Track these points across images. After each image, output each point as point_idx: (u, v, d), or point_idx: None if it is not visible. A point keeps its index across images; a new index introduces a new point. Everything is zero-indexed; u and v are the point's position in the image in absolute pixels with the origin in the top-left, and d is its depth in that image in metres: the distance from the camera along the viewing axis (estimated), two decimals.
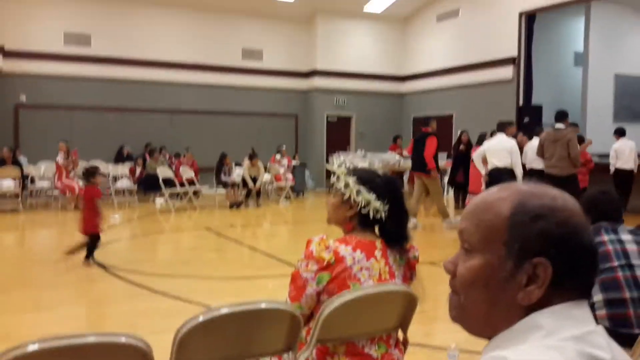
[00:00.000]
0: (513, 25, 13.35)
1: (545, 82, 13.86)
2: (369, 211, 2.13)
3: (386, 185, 2.19)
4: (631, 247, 2.72)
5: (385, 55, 17.12)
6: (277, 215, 11.98)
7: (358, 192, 2.15)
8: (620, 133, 10.25)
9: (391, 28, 17.05)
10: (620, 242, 2.75)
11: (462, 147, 11.59)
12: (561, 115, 8.10)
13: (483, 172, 8.87)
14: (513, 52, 13.38)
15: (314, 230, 2.18)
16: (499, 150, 8.56)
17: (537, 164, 8.69)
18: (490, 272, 0.87)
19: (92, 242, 6.54)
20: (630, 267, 2.66)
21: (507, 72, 13.54)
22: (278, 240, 9.16)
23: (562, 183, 7.39)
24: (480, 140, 10.29)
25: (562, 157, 7.84)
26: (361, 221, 2.15)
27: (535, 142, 8.98)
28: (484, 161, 8.81)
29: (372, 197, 2.14)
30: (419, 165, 9.22)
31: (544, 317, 0.82)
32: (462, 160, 11.44)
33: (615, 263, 2.69)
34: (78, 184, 11.57)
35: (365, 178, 2.18)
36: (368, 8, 16.07)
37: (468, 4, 14.79)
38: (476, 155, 9.12)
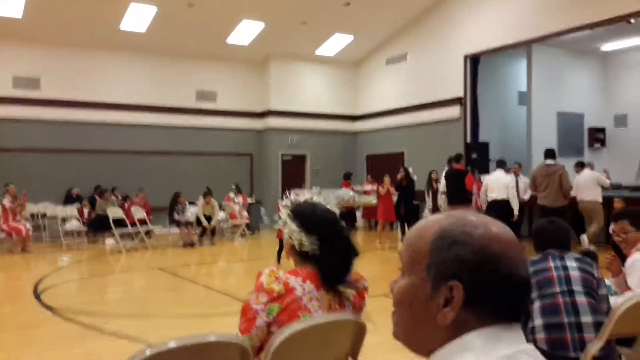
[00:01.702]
0: (459, 67, 13.88)
1: (491, 120, 14.38)
2: (300, 244, 2.15)
3: (320, 220, 2.16)
4: (574, 274, 2.83)
5: (337, 95, 17.46)
6: (232, 253, 11.87)
7: (285, 226, 2.20)
8: (498, 164, 10.42)
9: (343, 70, 17.45)
10: (565, 268, 2.86)
11: (403, 181, 12.14)
12: (551, 153, 9.11)
13: (484, 205, 9.68)
14: (459, 93, 13.87)
15: (270, 267, 2.21)
16: (497, 184, 9.46)
17: (497, 195, 9.50)
18: (414, 293, 0.92)
19: None
20: (571, 292, 2.77)
21: (454, 111, 14.00)
22: (234, 278, 9.07)
23: (555, 214, 8.02)
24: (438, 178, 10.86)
25: (555, 190, 8.65)
26: (299, 254, 2.17)
27: (494, 177, 9.74)
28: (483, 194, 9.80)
29: (296, 230, 2.16)
30: (457, 198, 9.90)
31: (475, 338, 0.86)
32: (403, 194, 12.19)
33: (557, 289, 2.79)
34: (25, 226, 11.24)
35: (301, 213, 2.19)
36: (320, 52, 16.45)
37: (415, 48, 15.33)
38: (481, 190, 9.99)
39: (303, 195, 2.32)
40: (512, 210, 9.37)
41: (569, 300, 2.75)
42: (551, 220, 3.22)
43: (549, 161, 9.10)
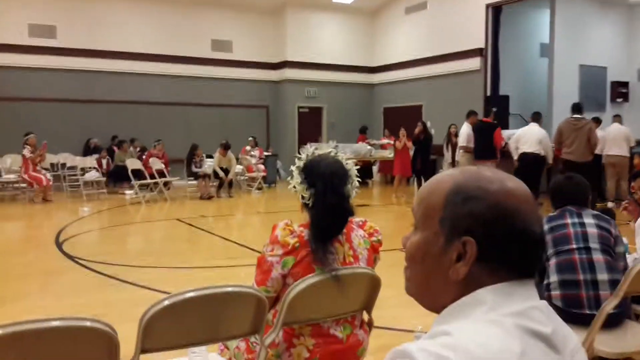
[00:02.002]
0: (480, 17, 13.52)
1: (512, 73, 14.07)
2: (301, 197, 2.14)
3: (318, 174, 2.13)
4: (591, 231, 2.81)
5: (355, 46, 17.17)
6: (249, 205, 11.98)
7: (291, 178, 2.20)
8: (534, 118, 10.30)
9: (360, 20, 17.10)
10: (582, 225, 2.83)
11: (420, 135, 11.95)
12: (578, 107, 9.00)
13: (515, 157, 9.74)
14: (480, 44, 13.56)
15: (291, 221, 2.22)
16: (531, 138, 9.51)
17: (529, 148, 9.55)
18: (426, 248, 0.92)
19: None
20: (588, 250, 2.75)
21: (474, 63, 13.73)
22: (250, 230, 9.18)
23: (581, 168, 8.16)
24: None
25: (582, 145, 8.60)
26: (304, 207, 2.17)
27: (527, 130, 9.73)
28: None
29: (298, 183, 2.16)
30: (485, 153, 9.90)
31: (487, 293, 0.86)
32: (420, 149, 12.06)
33: (574, 245, 2.78)
34: (46, 175, 11.40)
35: (306, 166, 2.17)
36: None
37: None
38: (511, 141, 10.05)
39: (318, 148, 2.31)
40: (542, 163, 9.43)
41: (585, 258, 2.74)
42: (569, 176, 3.18)
43: (577, 115, 8.97)
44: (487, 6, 13.35)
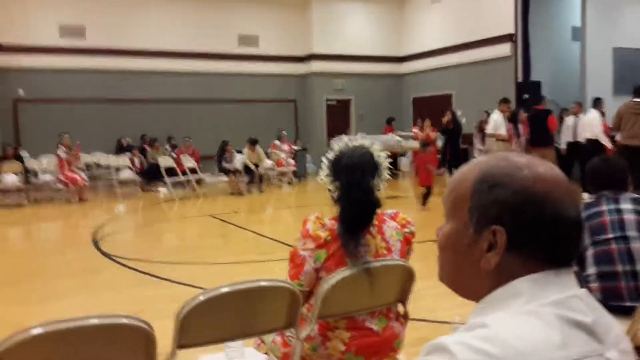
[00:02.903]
0: (509, 2, 13.27)
1: (543, 58, 13.80)
2: (329, 191, 2.15)
3: (342, 167, 2.12)
4: (628, 217, 2.69)
5: (382, 36, 17.05)
6: (280, 200, 12.04)
7: (321, 173, 2.20)
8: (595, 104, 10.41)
9: (387, 9, 16.96)
10: (619, 211, 2.71)
11: (449, 125, 11.88)
12: (639, 90, 8.75)
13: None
14: (510, 29, 13.32)
15: (322, 214, 2.22)
16: (589, 125, 9.71)
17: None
18: (457, 238, 0.91)
19: None
20: (625, 239, 2.65)
21: (504, 49, 13.49)
22: (282, 225, 9.21)
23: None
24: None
25: None
26: (333, 200, 2.16)
27: (589, 116, 9.83)
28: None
29: (324, 176, 2.16)
30: (540, 140, 9.96)
31: (524, 284, 0.84)
32: (450, 138, 11.80)
33: (610, 235, 2.67)
34: (81, 176, 11.63)
35: (333, 159, 2.17)
36: None
37: None
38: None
39: (347, 140, 2.29)
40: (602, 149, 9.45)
41: (623, 247, 2.64)
42: (605, 159, 3.07)
43: (637, 99, 8.70)
44: None
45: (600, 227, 2.72)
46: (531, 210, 0.84)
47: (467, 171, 0.92)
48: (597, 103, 10.10)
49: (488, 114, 11.51)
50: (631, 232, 2.66)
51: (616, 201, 2.77)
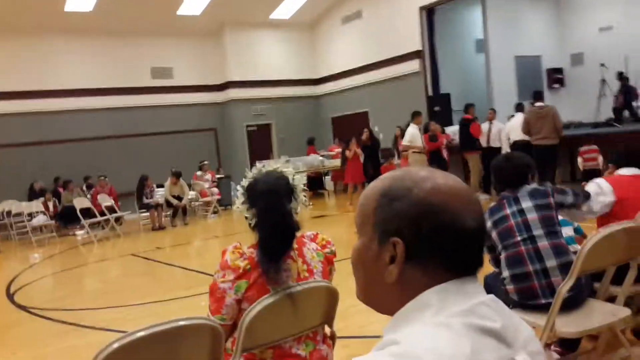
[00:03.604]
0: (414, 20, 13.79)
1: (451, 71, 14.38)
2: (246, 218, 2.12)
3: (257, 193, 2.09)
4: (531, 216, 2.79)
5: (297, 60, 17.24)
6: (206, 231, 11.80)
7: (237, 201, 2.17)
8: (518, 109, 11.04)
9: (299, 33, 17.20)
10: (521, 212, 2.81)
11: (367, 142, 12.22)
12: (539, 95, 9.63)
13: (506, 147, 10.44)
14: (417, 46, 13.82)
15: (246, 241, 2.16)
16: (516, 128, 10.08)
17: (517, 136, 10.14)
18: (365, 253, 0.92)
19: None
20: (532, 239, 2.75)
21: (413, 65, 13.97)
22: (210, 256, 8.99)
23: (551, 152, 9.01)
24: (403, 132, 11.08)
25: (551, 130, 9.09)
26: (251, 227, 2.13)
27: (516, 120, 10.35)
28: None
29: (240, 202, 2.14)
30: (467, 145, 11.05)
31: (431, 295, 0.85)
32: (370, 154, 12.26)
33: (518, 238, 2.76)
34: None
35: (248, 186, 2.15)
36: (274, 15, 16.16)
37: (369, 4, 15.20)
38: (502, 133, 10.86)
39: (264, 165, 2.27)
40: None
41: (531, 247, 2.74)
42: (506, 156, 3.20)
43: (539, 103, 9.43)
44: (421, 9, 13.63)
45: (507, 231, 2.81)
46: (428, 221, 0.85)
47: (371, 188, 0.94)
48: (521, 107, 10.75)
49: (401, 130, 11.87)
50: (537, 231, 2.76)
51: (517, 201, 2.85)
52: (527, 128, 9.39)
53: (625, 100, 12.19)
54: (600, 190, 3.17)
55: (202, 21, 15.40)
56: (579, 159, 10.24)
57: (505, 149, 10.44)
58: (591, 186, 3.22)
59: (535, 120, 9.23)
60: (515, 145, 9.96)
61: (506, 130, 10.71)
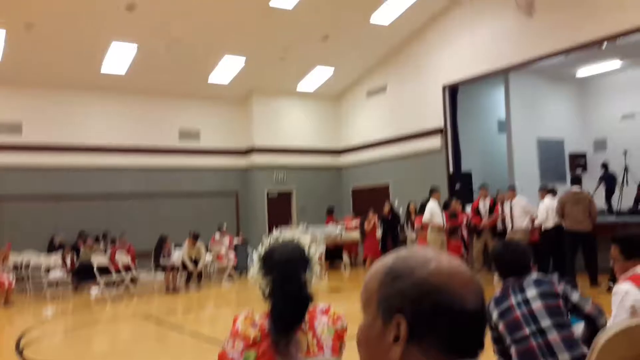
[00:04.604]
0: (438, 98, 14.05)
1: (472, 150, 14.48)
2: (260, 286, 2.11)
3: (274, 263, 2.09)
4: (537, 306, 2.74)
5: (320, 130, 17.56)
6: (220, 297, 11.69)
7: (252, 269, 2.17)
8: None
9: (325, 104, 17.61)
10: (527, 302, 2.76)
11: (388, 215, 12.16)
12: (578, 180, 9.69)
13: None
14: (440, 123, 14.01)
15: (258, 310, 2.15)
16: (544, 212, 9.88)
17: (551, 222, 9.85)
18: (369, 331, 0.92)
19: None
20: (542, 332, 2.69)
21: (435, 142, 14.12)
22: (222, 324, 8.86)
23: (586, 238, 8.93)
24: (422, 208, 10.88)
25: (585, 216, 9.03)
26: (264, 296, 2.12)
27: (548, 203, 9.98)
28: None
29: (255, 270, 2.14)
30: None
31: None
32: (390, 228, 12.14)
33: (527, 331, 2.70)
34: (8, 278, 10.99)
35: (264, 254, 2.16)
36: (301, 87, 16.63)
37: (395, 79, 15.55)
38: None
39: (283, 234, 2.28)
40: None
41: (542, 342, 2.68)
42: (505, 243, 3.17)
43: (576, 188, 9.48)
44: (444, 87, 13.91)
45: (514, 323, 2.75)
46: (428, 301, 0.86)
47: (376, 266, 0.95)
48: (554, 192, 10.41)
49: (415, 205, 11.88)
50: (545, 323, 2.70)
51: (522, 289, 2.81)
52: (561, 211, 9.37)
53: None
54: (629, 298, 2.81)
55: (231, 88, 15.90)
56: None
57: (524, 227, 10.25)
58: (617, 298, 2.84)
59: (571, 204, 9.22)
60: (546, 231, 9.85)
61: (540, 211, 10.25)
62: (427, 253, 0.93)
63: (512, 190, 10.75)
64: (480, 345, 0.89)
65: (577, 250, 9.17)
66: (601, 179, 12.46)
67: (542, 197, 10.34)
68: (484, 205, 11.00)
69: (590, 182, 14.68)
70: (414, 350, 0.86)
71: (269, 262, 2.13)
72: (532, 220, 10.18)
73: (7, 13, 11.46)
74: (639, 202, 12.08)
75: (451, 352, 0.86)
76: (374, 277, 0.94)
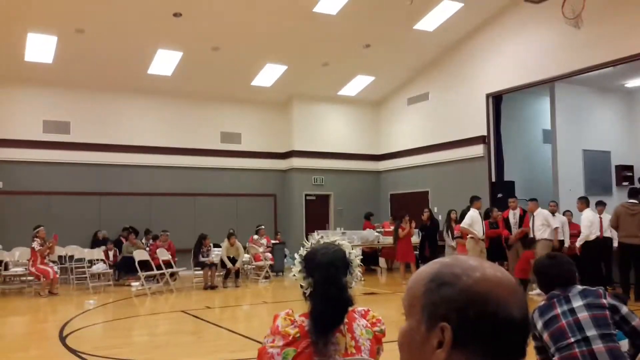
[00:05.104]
0: (481, 106, 13.90)
1: (515, 159, 14.26)
2: (301, 287, 2.15)
3: (315, 264, 2.12)
4: (583, 315, 2.72)
5: (360, 135, 17.58)
6: (256, 295, 11.82)
7: (294, 269, 2.21)
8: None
9: (365, 110, 17.62)
10: (572, 311, 2.74)
11: (427, 222, 12.16)
12: (636, 192, 9.39)
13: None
14: (483, 131, 13.85)
15: (295, 310, 2.20)
16: (587, 224, 9.97)
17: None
18: (411, 336, 0.94)
19: None
20: (586, 340, 2.66)
21: (477, 149, 13.96)
22: (257, 321, 8.99)
23: (638, 251, 8.82)
24: (462, 216, 10.78)
25: (639, 229, 8.94)
26: (304, 296, 2.16)
27: (591, 215, 10.01)
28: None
29: (297, 270, 2.17)
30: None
31: None
32: (428, 235, 12.20)
33: (572, 339, 2.68)
34: (53, 269, 11.37)
35: (306, 255, 2.19)
36: (342, 92, 16.68)
37: (437, 87, 15.45)
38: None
39: (323, 236, 2.32)
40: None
41: (586, 350, 2.64)
42: (550, 255, 3.13)
43: (632, 200, 9.29)
44: (487, 96, 13.75)
45: (560, 332, 2.73)
46: (474, 308, 0.87)
47: (421, 272, 0.97)
48: (602, 203, 10.51)
49: (462, 214, 11.71)
50: (590, 332, 2.66)
51: (567, 300, 2.79)
52: (616, 223, 9.27)
53: None
54: None
55: (272, 92, 16.09)
56: None
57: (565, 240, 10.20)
58: None
59: (625, 216, 9.10)
60: (588, 243, 9.78)
61: (584, 224, 10.20)
62: (472, 261, 0.94)
63: (533, 202, 10.69)
64: (523, 355, 0.90)
65: (630, 263, 9.00)
66: None
67: (581, 207, 10.22)
68: (513, 216, 10.84)
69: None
70: (457, 357, 0.87)
71: (311, 263, 2.16)
72: (556, 232, 10.11)
73: (59, 20, 11.92)
74: None
75: (513, 358, 0.88)
76: (419, 283, 0.95)
